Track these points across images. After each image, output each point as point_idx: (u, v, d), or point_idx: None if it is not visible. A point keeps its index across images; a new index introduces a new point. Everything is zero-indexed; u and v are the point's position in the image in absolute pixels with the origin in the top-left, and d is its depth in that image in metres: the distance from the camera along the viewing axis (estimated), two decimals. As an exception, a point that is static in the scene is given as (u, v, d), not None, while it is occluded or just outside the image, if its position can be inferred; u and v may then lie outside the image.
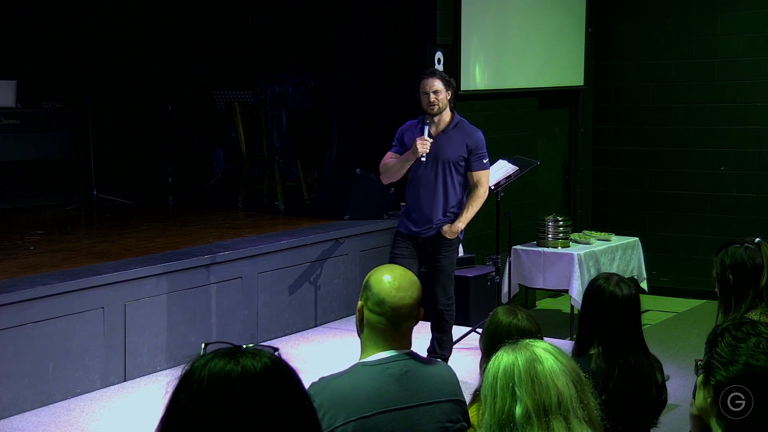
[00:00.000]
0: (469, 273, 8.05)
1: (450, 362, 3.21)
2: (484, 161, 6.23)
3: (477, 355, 3.54)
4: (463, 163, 6.19)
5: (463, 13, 8.60)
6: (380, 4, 8.82)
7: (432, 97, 6.12)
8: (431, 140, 6.09)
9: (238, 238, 7.50)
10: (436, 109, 6.13)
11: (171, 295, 6.54)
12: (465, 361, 6.46)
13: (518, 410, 2.27)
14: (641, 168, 10.38)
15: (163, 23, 10.40)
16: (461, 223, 6.22)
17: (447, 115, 6.23)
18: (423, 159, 6.09)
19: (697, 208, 10.08)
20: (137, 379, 6.29)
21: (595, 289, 3.61)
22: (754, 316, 3.75)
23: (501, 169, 7.28)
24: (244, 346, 1.73)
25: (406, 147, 6.20)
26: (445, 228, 6.20)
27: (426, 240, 6.23)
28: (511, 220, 7.37)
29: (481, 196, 6.25)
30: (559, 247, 8.31)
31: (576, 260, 8.13)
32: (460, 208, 6.24)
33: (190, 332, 6.63)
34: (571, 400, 2.29)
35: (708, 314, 8.67)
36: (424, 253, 6.27)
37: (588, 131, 10.61)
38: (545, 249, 8.32)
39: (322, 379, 2.95)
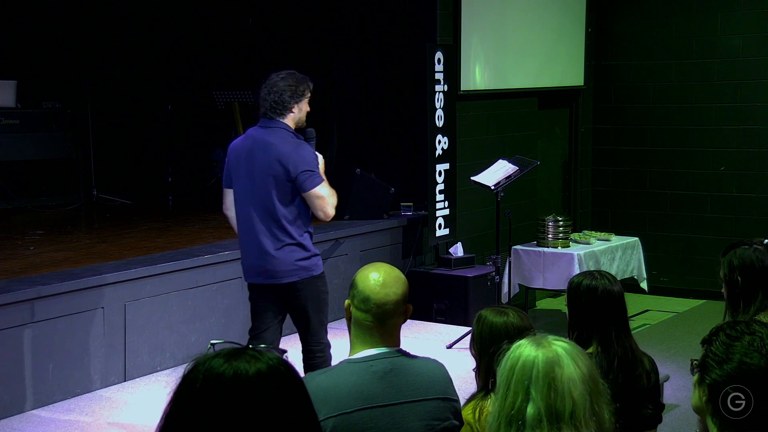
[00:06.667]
0: (469, 273, 8.05)
1: (449, 362, 3.19)
2: None
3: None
4: None
5: (463, 13, 8.60)
6: (380, 4, 8.82)
7: None
8: None
9: (238, 238, 7.47)
10: None
11: (171, 295, 6.53)
12: (464, 361, 6.44)
13: (530, 410, 2.25)
14: (641, 168, 10.38)
15: (163, 23, 10.40)
16: None
17: None
18: None
19: (697, 208, 10.08)
20: (137, 379, 6.28)
21: (585, 288, 3.64)
22: (763, 318, 3.72)
23: (501, 169, 7.28)
24: (251, 346, 1.73)
25: None
26: None
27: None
28: (511, 220, 7.36)
29: None
30: (559, 247, 8.31)
31: (576, 260, 8.13)
32: None
33: (190, 332, 6.63)
34: (584, 411, 2.25)
35: (708, 314, 8.67)
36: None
37: (588, 131, 10.61)
38: (545, 249, 8.33)
39: (307, 375, 2.97)
